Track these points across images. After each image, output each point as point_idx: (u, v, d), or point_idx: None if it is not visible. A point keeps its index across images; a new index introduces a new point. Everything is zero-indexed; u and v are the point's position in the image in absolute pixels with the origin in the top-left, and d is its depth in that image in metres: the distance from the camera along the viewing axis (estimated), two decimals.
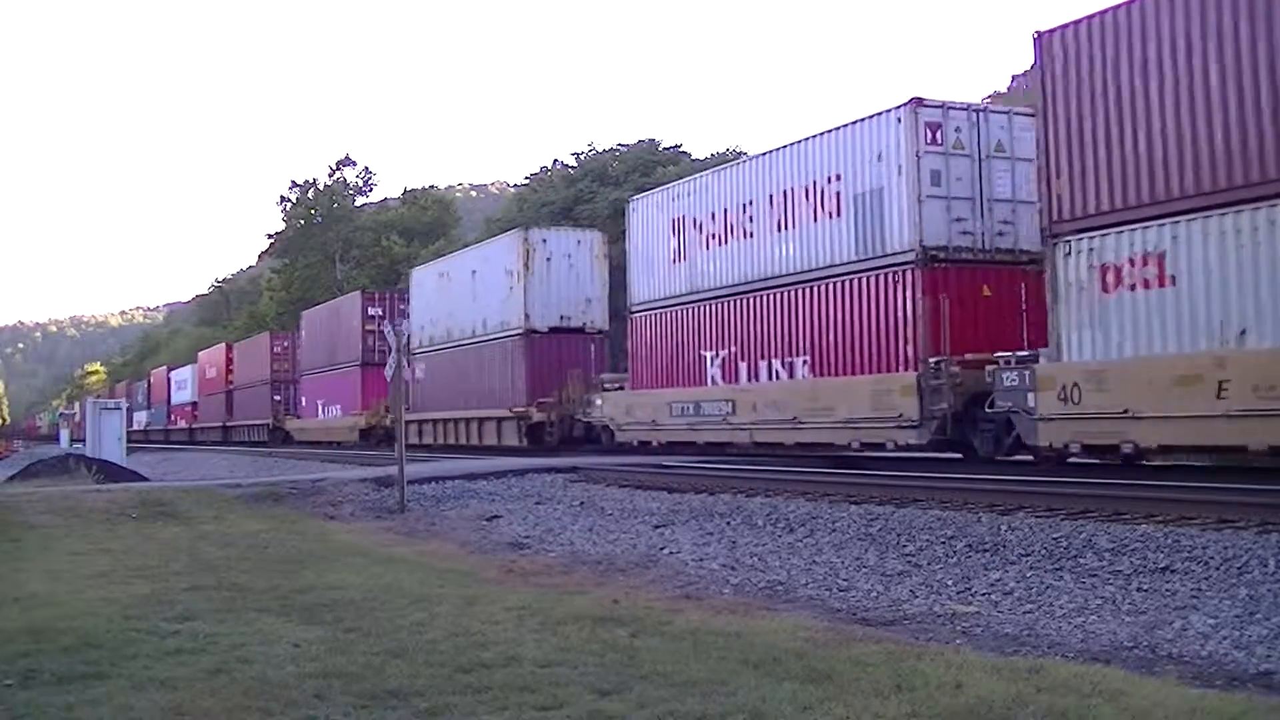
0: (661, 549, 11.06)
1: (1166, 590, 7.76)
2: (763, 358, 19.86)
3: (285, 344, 51.22)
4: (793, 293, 19.12)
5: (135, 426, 79.60)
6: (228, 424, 57.77)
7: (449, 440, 31.75)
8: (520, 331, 27.85)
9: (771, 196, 19.80)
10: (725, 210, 21.13)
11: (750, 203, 20.46)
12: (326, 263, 75.70)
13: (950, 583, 8.59)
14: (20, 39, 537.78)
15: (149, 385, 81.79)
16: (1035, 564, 9.02)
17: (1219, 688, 5.41)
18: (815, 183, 18.71)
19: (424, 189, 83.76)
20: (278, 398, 50.52)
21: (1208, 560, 8.41)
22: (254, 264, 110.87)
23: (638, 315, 24.06)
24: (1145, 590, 7.82)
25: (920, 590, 8.44)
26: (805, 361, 18.75)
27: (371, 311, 38.44)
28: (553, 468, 19.41)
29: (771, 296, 19.64)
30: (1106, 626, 6.95)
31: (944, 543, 10.16)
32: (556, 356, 27.68)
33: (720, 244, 21.23)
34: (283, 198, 79.07)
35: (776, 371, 19.51)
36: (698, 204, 22.06)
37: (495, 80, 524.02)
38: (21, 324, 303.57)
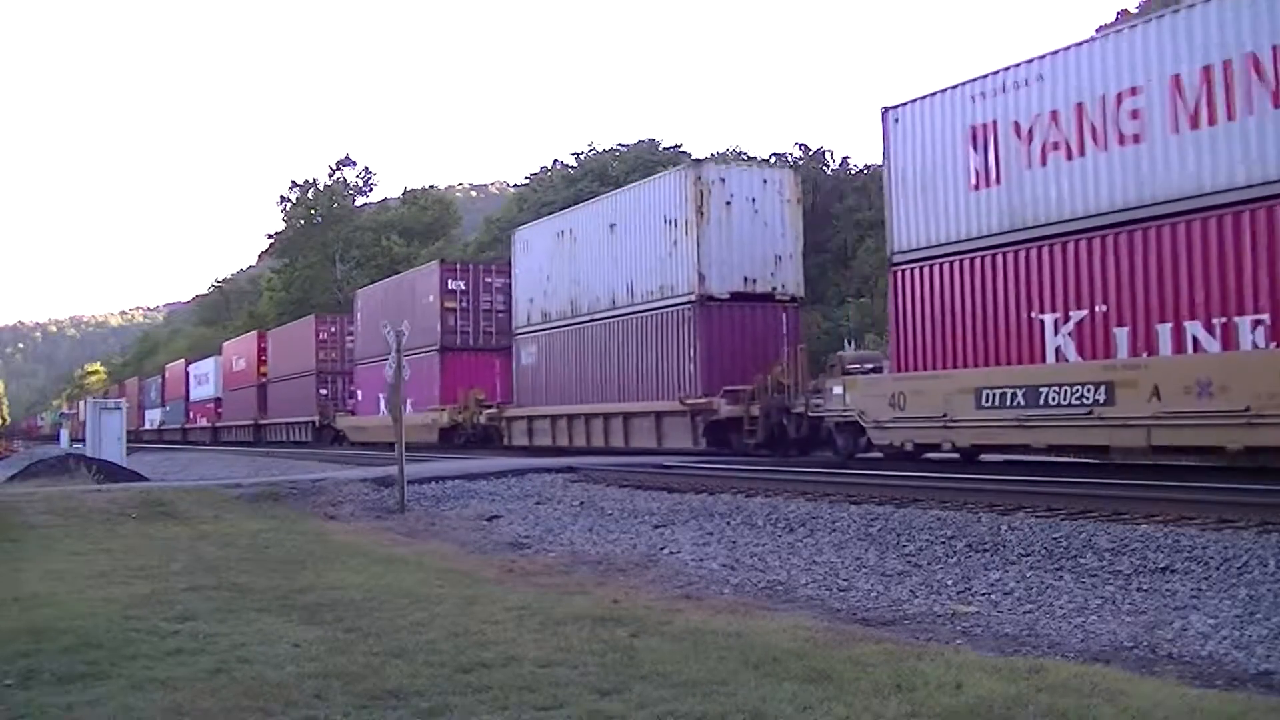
0: (661, 549, 11.05)
1: (1166, 590, 7.76)
2: (1164, 319, 13.93)
3: (333, 329, 45.32)
4: (1228, 221, 13.20)
5: (148, 425, 76.32)
6: (261, 422, 51.68)
7: (574, 441, 25.19)
8: (690, 299, 21.61)
9: (1179, 77, 13.76)
10: (1080, 105, 15.01)
11: (1133, 90, 14.33)
12: (326, 263, 75.75)
13: (950, 583, 8.59)
14: (20, 39, 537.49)
15: (163, 381, 76.32)
16: (1035, 564, 9.02)
17: (1219, 688, 5.41)
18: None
19: (424, 189, 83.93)
20: (324, 391, 44.60)
21: (1208, 560, 8.41)
22: (254, 264, 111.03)
23: (908, 267, 17.72)
24: (1145, 590, 7.82)
25: (920, 590, 8.44)
26: (1264, 324, 12.91)
27: (452, 285, 33.08)
28: (552, 468, 19.40)
29: (1178, 230, 13.73)
30: (1106, 626, 6.95)
31: (944, 543, 10.15)
32: (740, 331, 21.57)
33: (1069, 156, 15.17)
34: (283, 198, 79.26)
35: (1194, 340, 13.61)
36: (1023, 101, 15.89)
37: (495, 80, 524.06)
38: (21, 324, 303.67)
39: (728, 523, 12.51)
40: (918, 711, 4.59)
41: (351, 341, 42.29)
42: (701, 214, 21.43)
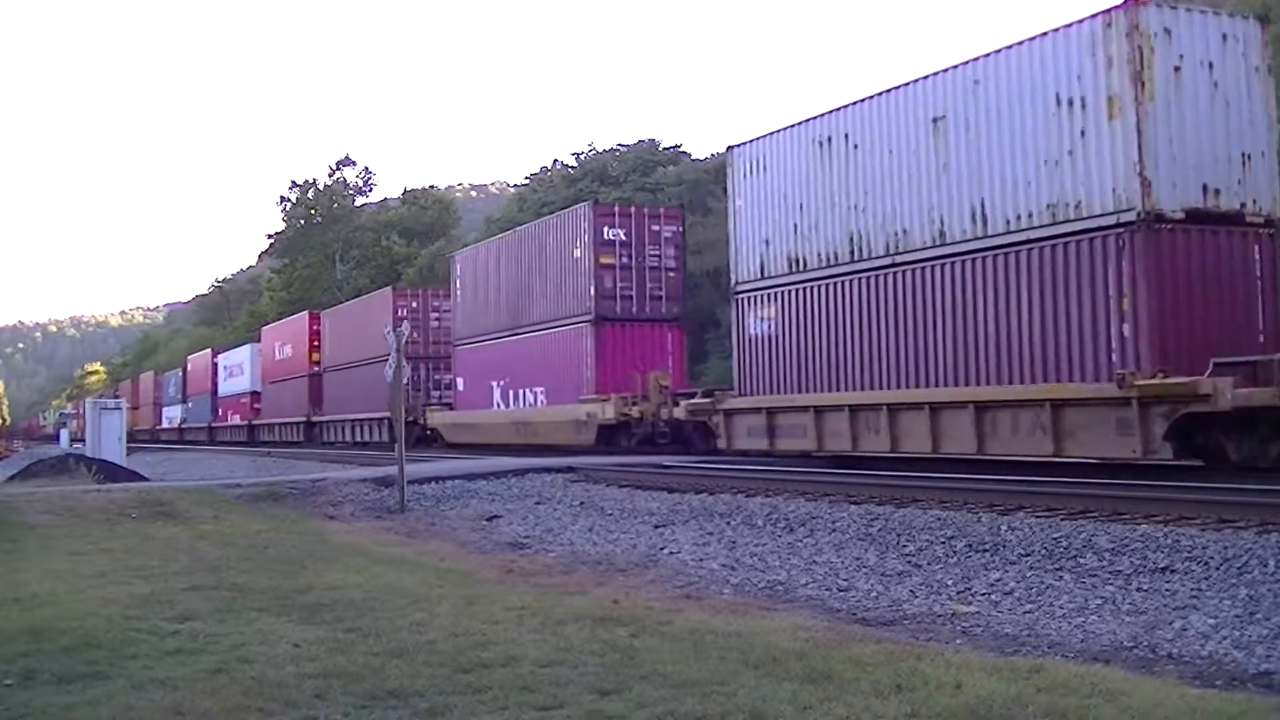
0: (661, 549, 11.05)
1: (1166, 590, 7.76)
2: None
3: (414, 304, 36.85)
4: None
5: (166, 424, 70.47)
6: (314, 419, 43.31)
7: (860, 444, 17.16)
8: (1120, 219, 13.52)
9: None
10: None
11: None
12: (326, 263, 75.75)
13: (950, 583, 8.59)
14: (20, 39, 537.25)
15: (184, 374, 67.52)
16: (1035, 564, 9.02)
17: (1219, 688, 5.41)
18: None
19: (424, 189, 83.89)
20: (405, 380, 36.35)
21: (1208, 560, 8.41)
22: (254, 264, 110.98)
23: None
24: (1145, 590, 7.82)
25: (920, 590, 8.44)
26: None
27: (610, 234, 25.32)
28: (552, 468, 19.40)
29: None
30: (1106, 626, 6.95)
31: (944, 543, 10.15)
32: (1199, 271, 13.63)
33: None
34: (283, 198, 79.22)
35: None
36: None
37: (495, 80, 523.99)
38: (21, 324, 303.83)
39: (728, 523, 12.51)
40: (918, 711, 4.59)
41: (438, 318, 35.93)
42: (1143, 85, 13.38)
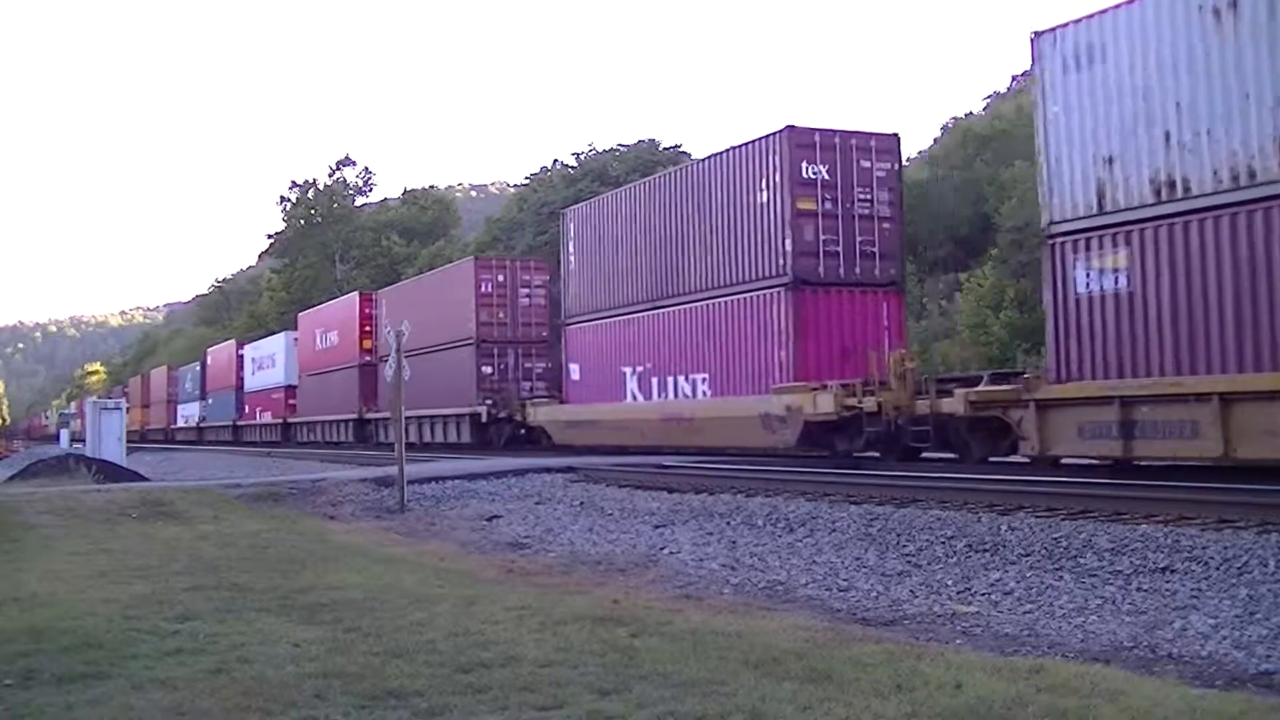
0: (661, 549, 11.05)
1: (1166, 590, 7.76)
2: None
3: (501, 277, 30.59)
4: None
5: (181, 423, 66.10)
6: (367, 415, 37.13)
7: None
8: None
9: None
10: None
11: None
12: (326, 263, 75.76)
13: (950, 583, 8.59)
14: (20, 39, 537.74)
15: (204, 368, 62.19)
16: (1035, 564, 9.02)
17: (1219, 688, 5.41)
18: None
19: (424, 189, 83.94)
20: (488, 369, 29.99)
21: (1208, 560, 8.41)
22: (254, 264, 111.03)
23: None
24: (1145, 590, 7.82)
25: (920, 590, 8.44)
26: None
27: (810, 171, 19.10)
28: (552, 468, 19.40)
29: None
30: (1106, 626, 6.95)
31: (944, 543, 10.15)
32: None
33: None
34: (283, 198, 79.22)
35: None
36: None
37: (495, 80, 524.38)
38: (21, 324, 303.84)
39: (728, 523, 12.51)
40: (918, 711, 4.59)
41: (529, 295, 30.76)
42: None
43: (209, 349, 64.80)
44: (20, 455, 54.76)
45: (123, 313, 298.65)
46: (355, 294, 40.75)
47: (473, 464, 21.07)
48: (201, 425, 61.20)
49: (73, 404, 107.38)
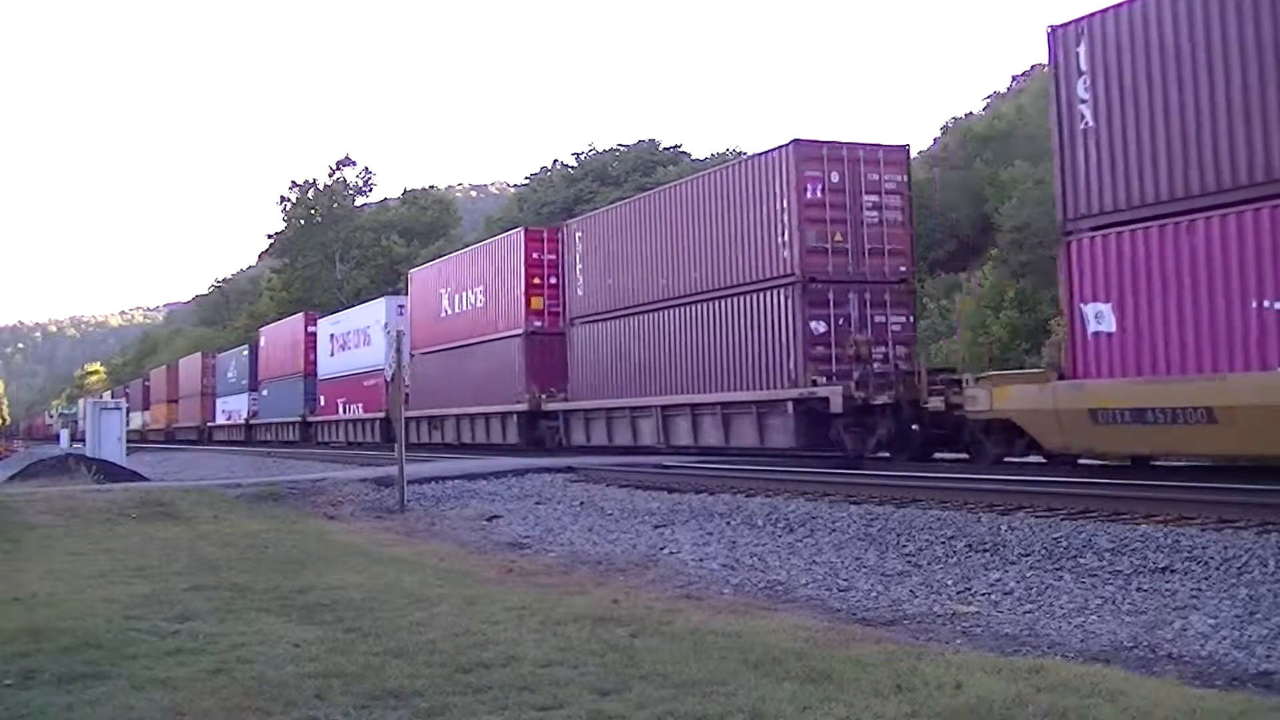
0: (661, 549, 11.05)
1: (1166, 590, 7.76)
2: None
3: (837, 175, 18.36)
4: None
5: (222, 419, 55.84)
6: (545, 406, 25.89)
7: None
8: None
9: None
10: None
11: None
12: (326, 263, 75.72)
13: (950, 583, 8.59)
14: (20, 39, 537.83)
15: (255, 351, 51.04)
16: (1035, 564, 9.02)
17: (1219, 688, 5.41)
18: None
19: (424, 189, 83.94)
20: (819, 326, 18.17)
21: (1208, 560, 8.41)
22: (254, 264, 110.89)
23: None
24: (1145, 590, 7.82)
25: (920, 590, 8.44)
26: None
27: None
28: (552, 468, 19.41)
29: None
30: (1106, 626, 6.95)
31: (944, 543, 10.15)
32: None
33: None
34: (283, 198, 79.17)
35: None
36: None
37: (495, 80, 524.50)
38: (21, 324, 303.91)
39: (728, 523, 12.51)
40: (918, 711, 4.59)
41: (891, 201, 18.75)
42: None
43: (265, 328, 52.39)
44: (20, 455, 54.71)
45: (123, 313, 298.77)
46: (519, 231, 28.11)
47: (472, 464, 21.07)
48: (252, 422, 50.53)
49: (80, 402, 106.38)
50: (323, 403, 41.37)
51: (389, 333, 31.21)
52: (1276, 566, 8.02)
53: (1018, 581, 8.39)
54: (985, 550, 9.71)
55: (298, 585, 8.37)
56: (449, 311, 31.44)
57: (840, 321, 18.37)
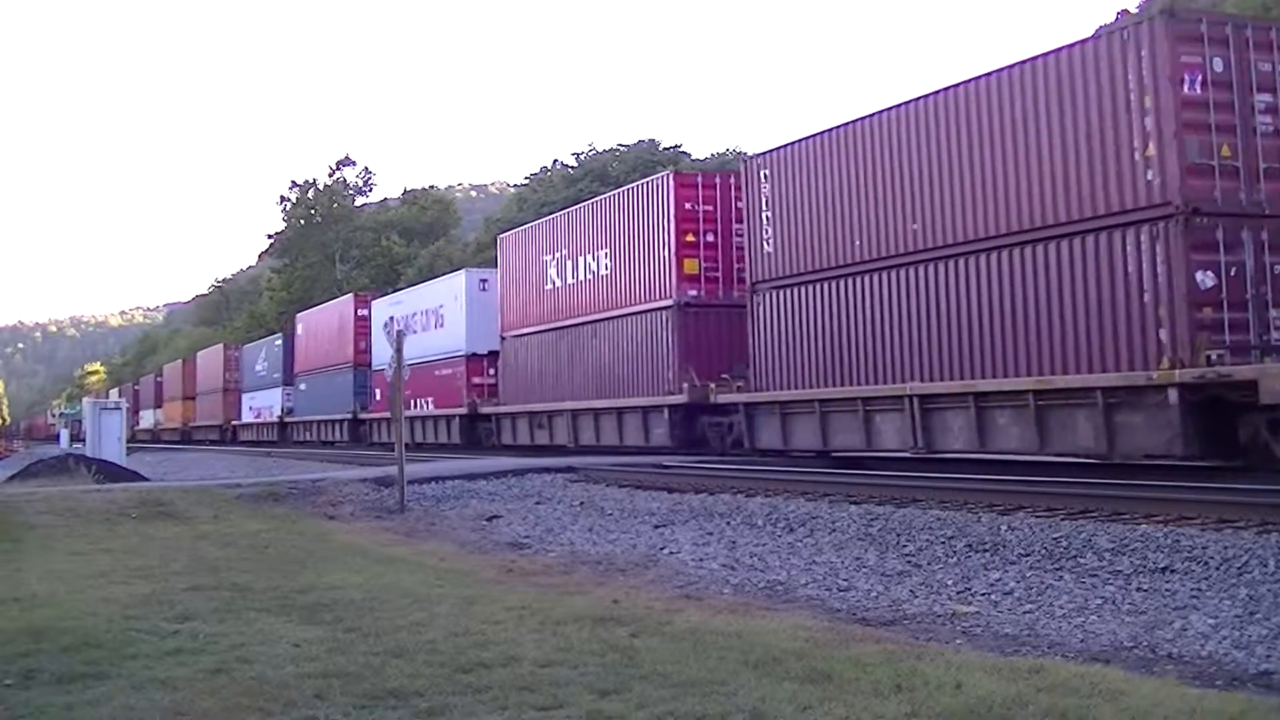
0: (661, 549, 11.05)
1: (1166, 590, 7.76)
2: None
3: (1221, 62, 12.92)
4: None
5: (250, 417, 50.56)
6: (718, 398, 20.16)
7: None
8: None
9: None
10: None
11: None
12: (326, 263, 75.78)
13: (950, 583, 8.59)
14: (20, 39, 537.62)
15: (291, 340, 45.76)
16: (1035, 564, 9.02)
17: (1219, 688, 5.41)
18: None
19: (424, 189, 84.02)
20: (1206, 278, 12.67)
21: (1208, 560, 8.41)
22: (254, 264, 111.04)
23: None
24: (1145, 590, 7.82)
25: (920, 590, 8.44)
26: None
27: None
28: (552, 468, 19.39)
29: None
30: (1106, 626, 6.94)
31: (944, 543, 10.15)
32: None
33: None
34: (283, 198, 79.34)
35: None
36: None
37: (495, 80, 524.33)
38: (21, 324, 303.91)
39: (728, 523, 12.51)
40: (918, 711, 4.59)
41: None
42: None
43: (303, 314, 46.80)
44: (20, 455, 54.62)
45: (123, 313, 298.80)
46: (665, 176, 22.26)
47: (472, 464, 21.07)
48: (287, 420, 45.40)
49: (85, 401, 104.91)
50: (379, 397, 35.36)
51: (465, 307, 28.73)
52: (1276, 566, 8.02)
53: (1018, 581, 8.38)
54: (985, 550, 9.71)
55: (298, 585, 8.36)
56: (558, 283, 25.76)
57: (1233, 272, 12.91)
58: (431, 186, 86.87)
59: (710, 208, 21.59)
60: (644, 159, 56.78)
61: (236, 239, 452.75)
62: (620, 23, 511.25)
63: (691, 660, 5.56)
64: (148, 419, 74.99)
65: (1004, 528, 10.37)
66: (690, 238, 21.36)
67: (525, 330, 27.18)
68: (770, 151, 19.46)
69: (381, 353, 33.12)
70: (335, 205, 77.77)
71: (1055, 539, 9.66)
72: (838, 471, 16.55)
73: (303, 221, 78.02)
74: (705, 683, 5.10)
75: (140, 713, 4.86)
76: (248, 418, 51.96)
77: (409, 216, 78.34)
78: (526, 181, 71.86)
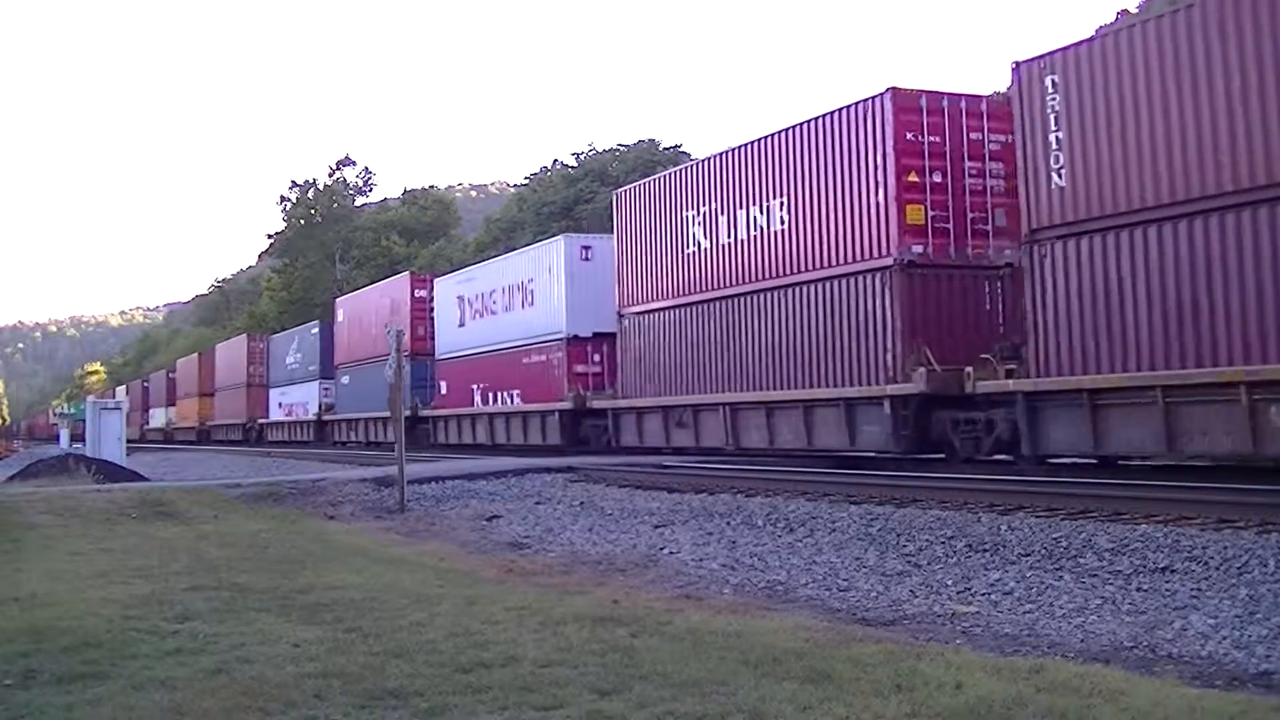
0: (661, 549, 11.05)
1: (1166, 590, 7.76)
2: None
3: None
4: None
5: (279, 415, 45.59)
6: (978, 389, 14.68)
7: None
8: None
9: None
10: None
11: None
12: (326, 263, 75.78)
13: (950, 583, 8.59)
14: (20, 39, 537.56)
15: (330, 328, 40.25)
16: (1035, 564, 9.02)
17: (1219, 688, 5.41)
18: None
19: (424, 189, 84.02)
20: None
21: (1208, 560, 8.41)
22: (254, 264, 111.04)
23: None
24: (1145, 590, 7.82)
25: (920, 590, 8.44)
26: None
27: None
28: (551, 467, 19.39)
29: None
30: (1106, 626, 6.94)
31: (944, 543, 10.15)
32: None
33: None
34: (283, 198, 79.37)
35: None
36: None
37: (495, 80, 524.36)
38: (21, 324, 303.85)
39: (728, 523, 12.51)
40: (918, 711, 4.59)
41: None
42: None
43: (341, 299, 41.53)
44: (20, 455, 54.59)
45: (123, 313, 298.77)
46: (883, 96, 16.77)
47: (472, 464, 21.07)
48: (326, 418, 40.06)
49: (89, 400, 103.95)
50: (444, 390, 30.95)
51: (565, 280, 23.16)
52: (1276, 566, 8.02)
53: (1018, 581, 8.38)
54: (985, 550, 9.71)
55: (298, 585, 8.36)
56: (705, 244, 20.63)
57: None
58: (431, 186, 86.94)
59: (937, 139, 16.69)
60: (644, 159, 56.72)
61: (236, 239, 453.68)
62: (620, 22, 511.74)
63: (691, 660, 5.56)
64: (159, 418, 69.83)
65: (1004, 528, 10.37)
66: (913, 177, 16.47)
67: (655, 305, 22.03)
68: (1064, 50, 13.67)
69: (448, 339, 31.17)
70: (335, 205, 77.81)
71: (1055, 539, 9.66)
72: (838, 471, 16.54)
73: (303, 221, 78.05)
74: (705, 683, 5.10)
75: (140, 713, 4.86)
76: (277, 415, 46.38)
77: (409, 216, 78.34)
78: (526, 181, 71.80)
